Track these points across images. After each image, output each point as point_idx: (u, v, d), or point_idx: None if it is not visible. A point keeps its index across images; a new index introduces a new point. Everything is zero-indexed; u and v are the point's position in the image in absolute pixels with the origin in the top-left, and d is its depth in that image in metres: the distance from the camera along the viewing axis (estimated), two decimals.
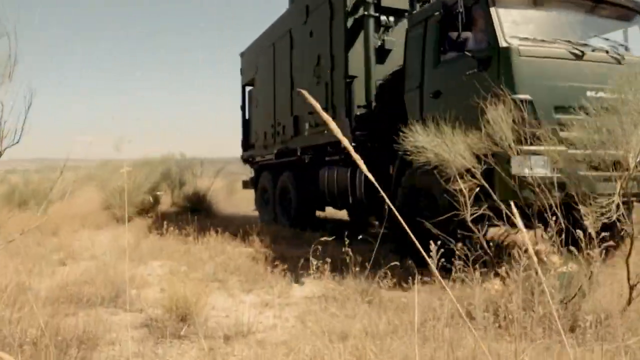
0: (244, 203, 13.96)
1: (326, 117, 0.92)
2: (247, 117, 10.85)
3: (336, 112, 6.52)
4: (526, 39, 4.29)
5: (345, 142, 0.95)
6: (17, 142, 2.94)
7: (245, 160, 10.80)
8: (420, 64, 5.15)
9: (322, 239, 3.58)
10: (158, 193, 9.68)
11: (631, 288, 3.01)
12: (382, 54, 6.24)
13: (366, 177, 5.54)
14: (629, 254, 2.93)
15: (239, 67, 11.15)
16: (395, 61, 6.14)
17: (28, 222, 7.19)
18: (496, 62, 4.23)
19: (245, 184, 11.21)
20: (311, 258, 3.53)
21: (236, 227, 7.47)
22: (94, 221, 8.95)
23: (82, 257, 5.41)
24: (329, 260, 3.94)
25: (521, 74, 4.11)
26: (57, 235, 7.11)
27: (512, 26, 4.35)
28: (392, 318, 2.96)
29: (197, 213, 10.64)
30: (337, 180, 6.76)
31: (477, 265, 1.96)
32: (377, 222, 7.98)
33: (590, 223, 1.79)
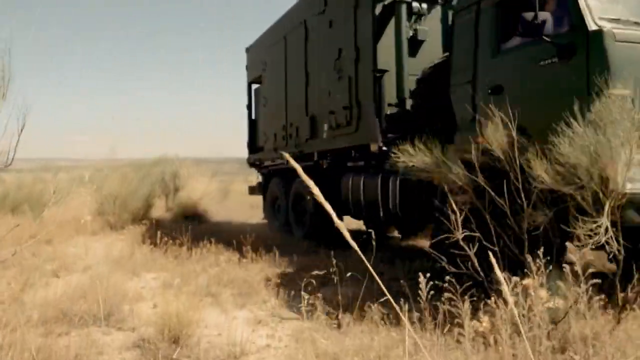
0: (240, 208, 13.98)
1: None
2: (253, 117, 10.13)
3: (362, 111, 5.92)
4: (617, 20, 3.54)
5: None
6: (10, 165, 2.94)
7: (252, 164, 10.04)
8: (473, 54, 4.39)
9: (314, 273, 3.36)
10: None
11: (621, 308, 3.05)
12: (414, 45, 5.59)
13: (402, 186, 5.26)
14: (618, 272, 2.97)
15: (245, 64, 10.36)
16: (428, 53, 5.61)
17: (24, 231, 7.18)
18: (584, 49, 3.49)
19: (252, 190, 10.37)
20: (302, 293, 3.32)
21: (232, 236, 7.49)
22: (89, 227, 8.93)
23: (76, 268, 5.40)
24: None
25: (618, 63, 3.35)
26: (51, 243, 7.09)
27: (600, 5, 3.60)
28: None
29: (191, 219, 10.65)
30: (364, 190, 6.01)
31: (466, 297, 1.99)
32: (399, 235, 7.44)
33: (578, 260, 1.81)
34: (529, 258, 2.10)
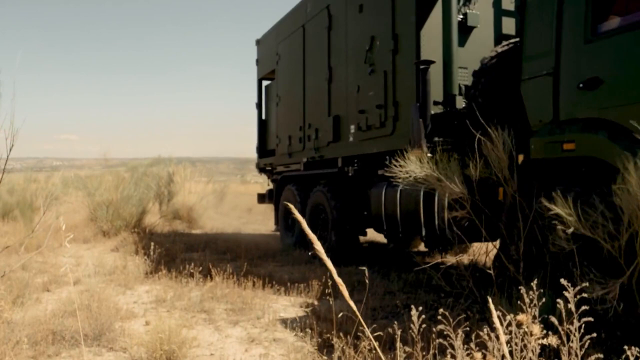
0: (236, 213, 13.93)
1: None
2: (263, 117, 9.19)
3: (400, 110, 5.15)
4: None
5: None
6: None
7: (262, 169, 9.12)
8: (554, 38, 3.57)
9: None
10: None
11: None
12: (463, 32, 4.85)
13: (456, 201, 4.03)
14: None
15: (254, 58, 9.39)
16: (479, 42, 4.93)
17: (14, 239, 7.09)
18: None
19: (262, 198, 9.29)
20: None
21: (228, 246, 7.45)
22: (81, 234, 8.86)
23: (67, 281, 5.34)
24: None
25: None
26: (42, 253, 7.02)
27: None
28: None
29: (186, 225, 10.60)
30: (401, 203, 5.14)
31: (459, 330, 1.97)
32: (426, 248, 6.59)
33: (571, 297, 1.80)
34: (523, 289, 2.08)
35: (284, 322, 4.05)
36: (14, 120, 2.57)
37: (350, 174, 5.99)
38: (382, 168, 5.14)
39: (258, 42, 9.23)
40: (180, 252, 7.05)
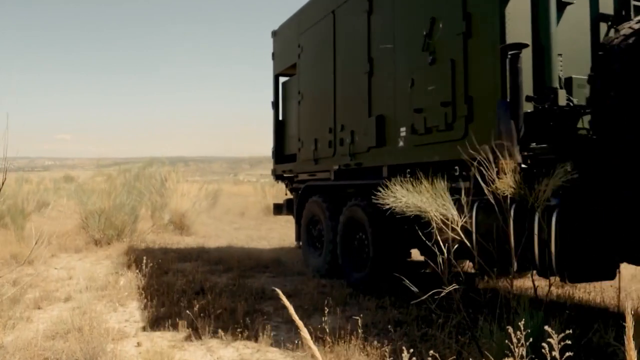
0: (230, 217, 13.94)
1: None
2: (280, 117, 8.17)
3: (475, 108, 4.16)
4: None
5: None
6: None
7: (279, 176, 8.05)
8: None
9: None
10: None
11: None
12: (557, 9, 3.93)
13: (564, 224, 3.18)
14: None
15: (270, 51, 8.37)
16: (573, 22, 4.04)
17: (5, 249, 7.05)
18: None
19: (278, 209, 8.18)
20: None
21: (221, 256, 7.45)
22: (72, 243, 8.83)
23: (59, 297, 5.32)
24: None
25: None
26: (32, 264, 7.00)
27: None
28: None
29: (178, 233, 10.58)
30: (487, 225, 3.72)
31: None
32: (476, 271, 4.63)
33: (555, 344, 1.83)
34: (510, 329, 2.11)
35: (276, 341, 4.07)
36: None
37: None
38: (454, 181, 4.21)
39: (274, 33, 8.14)
40: (173, 262, 7.06)
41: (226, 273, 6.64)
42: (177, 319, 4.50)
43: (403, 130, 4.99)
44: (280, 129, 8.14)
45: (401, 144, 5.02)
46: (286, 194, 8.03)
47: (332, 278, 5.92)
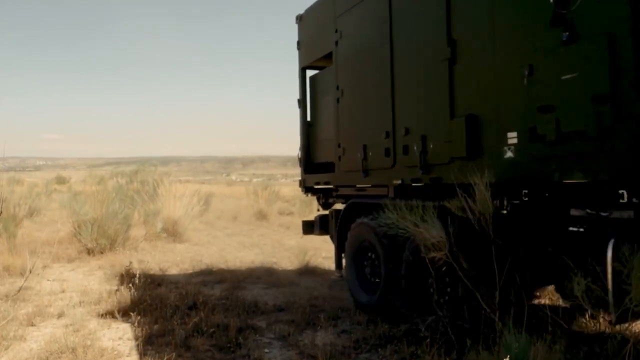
0: (222, 223, 13.96)
1: None
2: (309, 118, 6.89)
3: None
4: None
5: None
6: None
7: (309, 188, 6.69)
8: None
9: None
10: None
11: None
12: None
13: None
14: None
15: (295, 40, 7.01)
16: None
17: None
18: None
19: (309, 227, 6.71)
20: None
21: (213, 265, 7.49)
22: (65, 252, 8.83)
23: (52, 313, 5.34)
24: None
25: None
26: (25, 275, 6.99)
27: None
28: None
29: (170, 240, 10.60)
30: None
31: None
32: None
33: None
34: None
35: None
36: None
37: (504, 211, 3.78)
38: (583, 206, 3.30)
39: (300, 18, 6.87)
40: (166, 272, 7.09)
41: (219, 284, 6.70)
42: (171, 337, 4.55)
43: (513, 137, 3.68)
44: (309, 131, 6.88)
45: (509, 154, 3.71)
46: (318, 210, 6.69)
47: (390, 322, 4.69)
